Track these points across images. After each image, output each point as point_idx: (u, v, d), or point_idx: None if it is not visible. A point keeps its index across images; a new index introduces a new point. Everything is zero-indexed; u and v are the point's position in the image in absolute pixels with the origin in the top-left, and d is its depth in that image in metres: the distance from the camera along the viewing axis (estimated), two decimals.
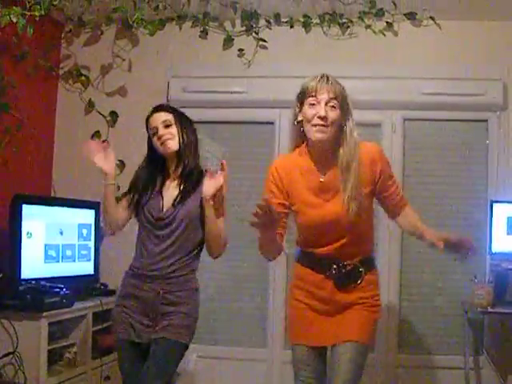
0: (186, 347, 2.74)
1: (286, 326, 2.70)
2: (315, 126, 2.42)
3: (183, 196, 2.73)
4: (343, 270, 2.51)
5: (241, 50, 4.29)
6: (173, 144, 2.74)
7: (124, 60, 4.40)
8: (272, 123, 4.31)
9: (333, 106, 2.43)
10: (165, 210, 2.72)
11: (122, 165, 4.27)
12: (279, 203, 2.51)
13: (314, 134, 2.44)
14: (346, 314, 2.52)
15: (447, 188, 4.19)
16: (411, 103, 4.14)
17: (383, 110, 4.18)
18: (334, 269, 2.51)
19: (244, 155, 4.37)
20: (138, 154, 3.79)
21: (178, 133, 2.75)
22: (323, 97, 2.43)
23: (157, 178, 2.82)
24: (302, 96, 2.48)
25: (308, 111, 2.44)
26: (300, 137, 2.55)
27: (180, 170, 2.77)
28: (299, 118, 2.51)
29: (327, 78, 2.48)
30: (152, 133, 2.78)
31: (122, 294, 2.79)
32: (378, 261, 3.74)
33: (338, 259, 2.52)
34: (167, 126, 2.75)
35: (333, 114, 2.43)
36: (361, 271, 2.53)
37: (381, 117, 4.20)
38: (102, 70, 4.42)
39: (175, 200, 2.72)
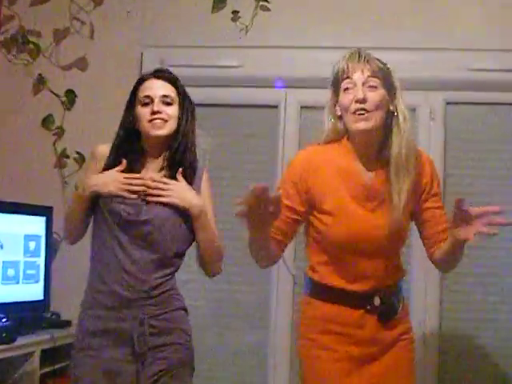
0: None
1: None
2: (355, 113, 2.25)
3: None
4: (387, 300, 2.33)
5: (235, 12, 3.93)
6: (165, 128, 2.48)
7: (84, 23, 4.07)
8: (275, 107, 3.95)
9: (372, 86, 2.26)
10: (139, 210, 2.43)
11: (80, 158, 3.95)
12: (290, 207, 2.32)
13: (355, 124, 2.26)
14: (390, 358, 2.32)
15: (501, 189, 3.79)
16: (455, 82, 3.77)
17: (419, 91, 3.74)
18: (377, 302, 2.32)
19: (240, 147, 4.04)
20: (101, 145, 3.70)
21: (178, 117, 2.52)
22: (357, 76, 2.27)
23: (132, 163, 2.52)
24: (335, 83, 2.34)
25: (344, 98, 2.29)
26: (339, 132, 2.38)
27: (166, 161, 2.52)
28: (338, 112, 2.35)
29: (359, 53, 2.30)
30: (142, 102, 2.49)
31: (85, 332, 2.44)
32: (412, 276, 3.65)
33: (379, 287, 2.32)
34: (166, 104, 2.49)
35: (374, 95, 2.25)
36: (399, 299, 2.39)
37: (416, 99, 3.76)
38: (56, 36, 4.09)
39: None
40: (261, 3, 3.87)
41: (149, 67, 3.71)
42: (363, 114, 2.24)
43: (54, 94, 4.02)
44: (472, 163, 3.84)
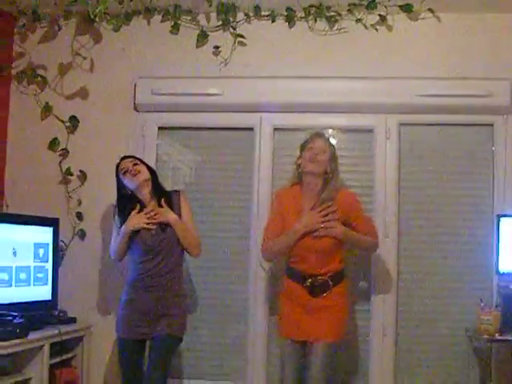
0: (181, 340, 3.77)
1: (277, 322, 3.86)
2: (309, 160, 3.64)
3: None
4: (315, 283, 3.65)
5: (217, 47, 4.32)
6: (141, 175, 3.76)
7: (85, 58, 4.43)
8: (251, 129, 4.35)
9: (323, 151, 3.66)
10: (155, 235, 3.71)
11: (83, 176, 4.37)
12: (281, 220, 3.76)
13: (307, 166, 3.66)
14: (319, 316, 3.63)
15: (448, 201, 4.22)
16: (407, 106, 4.18)
17: (376, 114, 4.24)
18: (309, 282, 3.66)
19: (220, 163, 4.44)
20: (100, 164, 4.25)
21: (145, 170, 3.80)
22: (317, 145, 3.67)
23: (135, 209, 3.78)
24: (303, 146, 3.74)
25: (306, 154, 3.68)
26: (297, 177, 3.77)
27: (154, 196, 3.80)
28: (299, 162, 3.72)
29: (321, 135, 3.79)
30: (123, 171, 3.76)
31: (124, 300, 3.74)
32: (372, 285, 4.20)
33: (312, 274, 3.66)
34: (135, 165, 3.77)
35: (323, 156, 3.65)
36: (329, 284, 3.66)
37: (373, 121, 4.26)
38: (60, 69, 4.46)
39: (160, 227, 3.74)
40: (238, 39, 4.23)
41: (141, 96, 4.26)
42: (315, 163, 3.62)
43: (60, 119, 4.38)
44: (423, 177, 4.20)
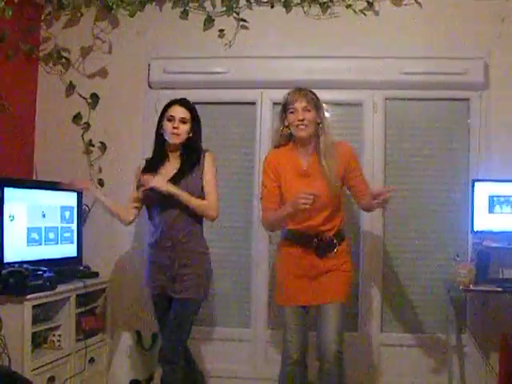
0: (198, 302, 3.60)
1: (274, 294, 3.72)
2: (297, 126, 3.41)
3: (181, 173, 3.58)
4: (321, 243, 3.44)
5: (221, 30, 4.57)
6: (180, 138, 3.59)
7: (104, 41, 4.68)
8: (253, 103, 4.61)
9: (307, 110, 3.42)
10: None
11: (103, 147, 4.64)
12: (275, 186, 3.51)
13: (298, 132, 3.43)
14: (325, 278, 3.44)
15: (429, 167, 4.51)
16: (392, 82, 4.45)
17: (364, 90, 4.51)
18: (315, 242, 3.45)
19: (225, 135, 4.68)
20: (118, 135, 4.52)
21: (189, 131, 3.60)
22: (298, 105, 3.42)
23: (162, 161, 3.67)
24: (285, 107, 3.50)
25: (291, 117, 3.45)
26: (286, 137, 3.56)
27: (180, 155, 3.63)
28: (286, 123, 3.51)
29: (300, 89, 3.48)
30: (168, 119, 3.59)
31: (150, 260, 3.66)
32: (360, 240, 4.48)
33: (317, 234, 3.44)
34: (183, 122, 3.60)
35: (308, 116, 3.43)
36: (335, 243, 3.48)
37: (362, 96, 4.54)
38: (83, 51, 4.69)
39: (174, 177, 3.56)
40: (241, 23, 4.50)
41: (154, 74, 4.51)
42: (303, 126, 3.43)
43: (82, 96, 4.61)
44: (407, 146, 4.49)
